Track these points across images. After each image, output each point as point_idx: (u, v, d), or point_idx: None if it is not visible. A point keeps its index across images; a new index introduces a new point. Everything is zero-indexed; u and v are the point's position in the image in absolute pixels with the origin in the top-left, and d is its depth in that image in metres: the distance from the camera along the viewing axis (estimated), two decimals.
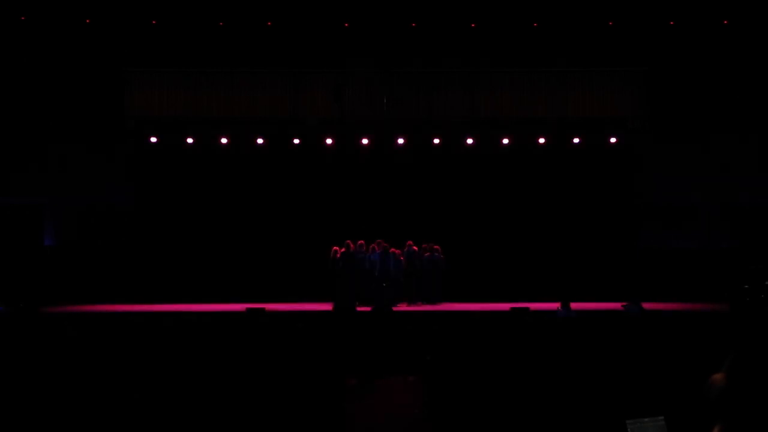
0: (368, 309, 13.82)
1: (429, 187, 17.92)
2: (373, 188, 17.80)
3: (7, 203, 17.97)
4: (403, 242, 16.38)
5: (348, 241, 15.82)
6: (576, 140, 17.82)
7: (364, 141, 17.88)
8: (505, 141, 17.82)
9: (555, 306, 12.25)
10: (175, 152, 17.96)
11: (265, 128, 17.87)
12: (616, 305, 13.49)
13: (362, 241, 16.00)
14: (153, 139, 17.79)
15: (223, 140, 17.86)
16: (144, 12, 17.49)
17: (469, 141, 17.85)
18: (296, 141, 17.88)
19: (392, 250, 15.94)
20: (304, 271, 17.02)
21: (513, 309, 12.62)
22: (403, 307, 15.34)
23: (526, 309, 12.44)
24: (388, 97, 17.38)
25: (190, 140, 17.81)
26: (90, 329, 9.79)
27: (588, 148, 17.93)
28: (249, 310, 12.56)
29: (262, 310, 12.52)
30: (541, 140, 17.87)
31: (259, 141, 17.86)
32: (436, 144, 17.90)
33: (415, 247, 16.35)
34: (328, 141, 17.81)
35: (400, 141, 17.84)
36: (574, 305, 12.23)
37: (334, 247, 15.82)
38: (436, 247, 16.43)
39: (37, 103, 18.05)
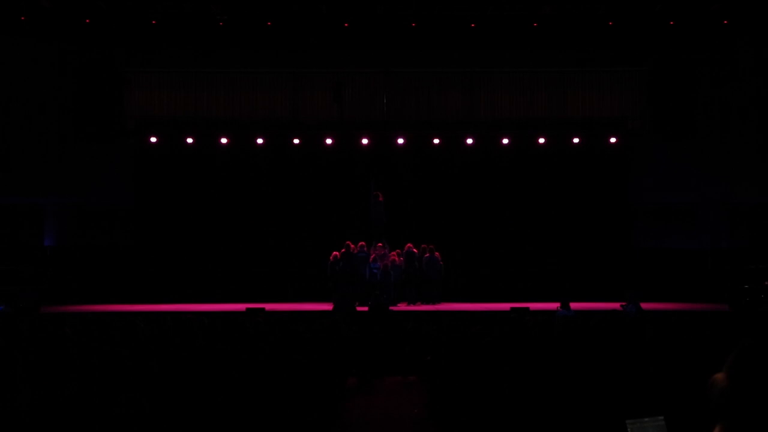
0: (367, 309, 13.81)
1: (429, 187, 17.91)
2: (373, 188, 17.76)
3: (7, 203, 17.97)
4: (403, 242, 16.36)
5: (348, 241, 15.76)
6: (575, 140, 17.83)
7: (364, 141, 17.88)
8: (505, 141, 17.83)
9: (555, 306, 12.26)
10: (175, 152, 17.97)
11: (265, 128, 17.89)
12: (615, 305, 13.50)
13: (363, 242, 15.97)
14: (153, 139, 17.80)
15: (223, 140, 17.87)
16: (144, 12, 17.48)
17: (469, 141, 17.85)
18: (296, 141, 17.89)
19: (392, 254, 15.96)
20: (304, 271, 17.02)
21: (513, 309, 12.62)
22: (403, 307, 15.33)
23: (526, 309, 12.43)
24: (388, 97, 17.39)
25: (190, 140, 17.82)
26: (90, 329, 9.78)
27: (587, 148, 17.94)
28: (249, 310, 12.57)
29: (262, 310, 12.52)
30: (541, 140, 17.87)
31: (259, 141, 17.86)
32: (436, 144, 17.90)
33: (414, 249, 16.32)
34: (328, 141, 17.81)
35: (400, 141, 17.85)
36: (573, 305, 12.24)
37: (335, 252, 15.73)
38: (435, 247, 16.42)
39: (37, 103, 18.05)
